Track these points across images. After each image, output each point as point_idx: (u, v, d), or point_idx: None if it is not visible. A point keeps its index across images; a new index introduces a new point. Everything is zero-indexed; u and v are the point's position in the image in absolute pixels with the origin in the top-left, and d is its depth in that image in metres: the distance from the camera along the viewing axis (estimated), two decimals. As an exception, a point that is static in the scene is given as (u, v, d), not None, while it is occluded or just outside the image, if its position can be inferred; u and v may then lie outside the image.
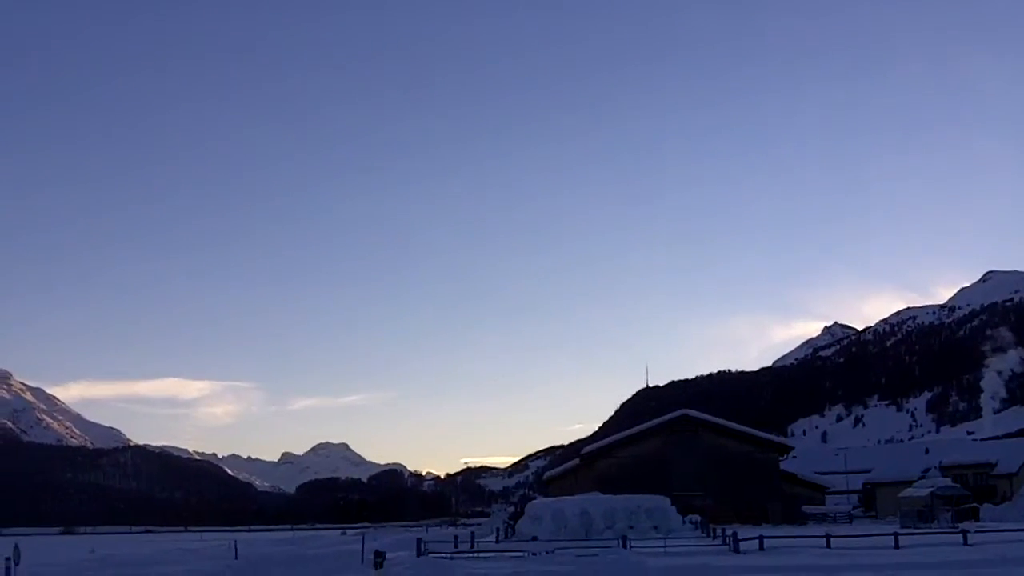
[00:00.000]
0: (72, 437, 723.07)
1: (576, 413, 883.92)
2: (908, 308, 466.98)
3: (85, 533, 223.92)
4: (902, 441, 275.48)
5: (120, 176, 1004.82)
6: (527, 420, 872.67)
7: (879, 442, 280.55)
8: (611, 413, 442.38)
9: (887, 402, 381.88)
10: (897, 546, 49.08)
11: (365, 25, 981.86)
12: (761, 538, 50.96)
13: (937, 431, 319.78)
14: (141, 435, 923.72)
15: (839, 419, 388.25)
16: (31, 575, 34.40)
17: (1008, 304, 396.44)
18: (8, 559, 21.66)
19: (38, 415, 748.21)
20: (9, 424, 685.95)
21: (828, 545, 50.51)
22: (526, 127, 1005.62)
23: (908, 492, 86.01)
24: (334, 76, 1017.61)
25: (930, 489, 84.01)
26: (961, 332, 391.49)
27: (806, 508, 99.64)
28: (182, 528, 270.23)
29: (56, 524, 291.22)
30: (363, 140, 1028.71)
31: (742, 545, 49.87)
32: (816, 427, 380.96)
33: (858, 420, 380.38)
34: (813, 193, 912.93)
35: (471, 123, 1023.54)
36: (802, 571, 33.56)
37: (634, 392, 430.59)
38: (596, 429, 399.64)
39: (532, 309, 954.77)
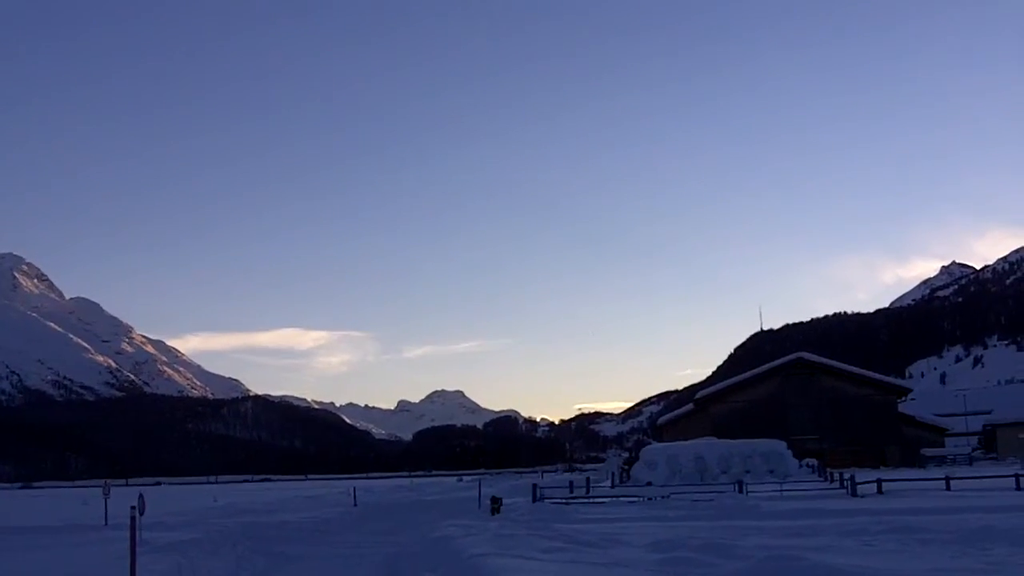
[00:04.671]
0: (193, 388, 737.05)
1: (690, 358, 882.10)
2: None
3: (208, 483, 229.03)
4: (1023, 381, 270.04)
5: (237, 129, 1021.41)
6: (641, 366, 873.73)
7: (999, 383, 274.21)
8: (725, 357, 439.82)
9: (1007, 342, 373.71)
10: (1019, 487, 48.33)
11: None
12: (879, 481, 50.43)
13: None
14: (260, 385, 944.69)
15: (958, 360, 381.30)
16: (156, 524, 35.21)
17: None
18: (133, 508, 22.08)
19: (160, 367, 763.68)
20: (132, 376, 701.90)
21: (948, 488, 49.84)
22: (647, 68, 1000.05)
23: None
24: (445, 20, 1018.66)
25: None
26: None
27: (925, 451, 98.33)
28: (302, 476, 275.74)
29: (179, 474, 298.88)
30: (473, 87, 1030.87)
31: (860, 488, 49.38)
32: (935, 368, 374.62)
33: (978, 361, 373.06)
34: (924, 132, 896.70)
35: (593, 64, 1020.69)
36: (922, 514, 33.09)
37: (748, 335, 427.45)
38: (710, 374, 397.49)
39: (644, 255, 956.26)
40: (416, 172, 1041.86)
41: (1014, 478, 50.12)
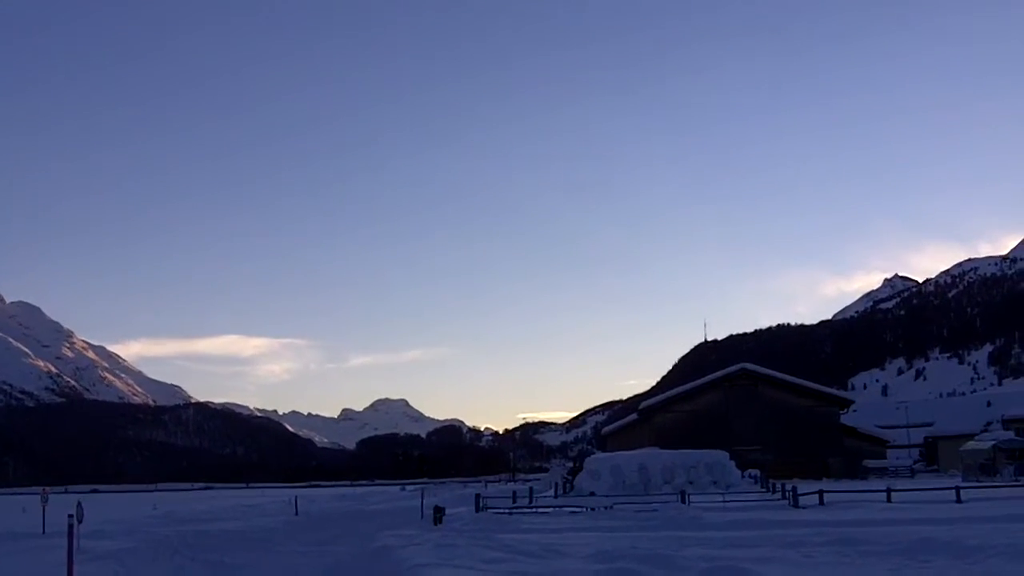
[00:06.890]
0: (134, 395, 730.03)
1: (634, 368, 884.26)
2: (970, 259, 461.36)
3: (148, 490, 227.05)
4: (964, 394, 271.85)
5: (177, 135, 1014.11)
6: (585, 375, 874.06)
7: (940, 395, 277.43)
8: (669, 367, 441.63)
9: (948, 355, 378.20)
10: (959, 500, 48.59)
11: None
12: (821, 492, 50.63)
13: (999, 383, 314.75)
14: (202, 392, 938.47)
15: (900, 372, 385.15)
16: (94, 532, 34.81)
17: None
18: (71, 516, 21.78)
19: (101, 373, 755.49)
20: (72, 382, 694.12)
21: (889, 499, 50.01)
22: (596, 79, 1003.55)
23: (970, 445, 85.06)
24: (386, 31, 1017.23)
25: (992, 442, 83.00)
26: (1023, 284, 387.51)
27: (867, 462, 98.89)
28: (243, 484, 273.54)
29: (119, 481, 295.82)
30: (419, 96, 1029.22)
31: (802, 499, 49.56)
32: (877, 381, 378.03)
33: (919, 373, 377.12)
34: (867, 145, 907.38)
35: (537, 76, 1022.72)
36: (862, 525, 33.25)
37: (693, 346, 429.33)
38: (654, 384, 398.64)
39: (589, 265, 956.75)
40: (360, 181, 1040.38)
41: (955, 491, 50.45)
